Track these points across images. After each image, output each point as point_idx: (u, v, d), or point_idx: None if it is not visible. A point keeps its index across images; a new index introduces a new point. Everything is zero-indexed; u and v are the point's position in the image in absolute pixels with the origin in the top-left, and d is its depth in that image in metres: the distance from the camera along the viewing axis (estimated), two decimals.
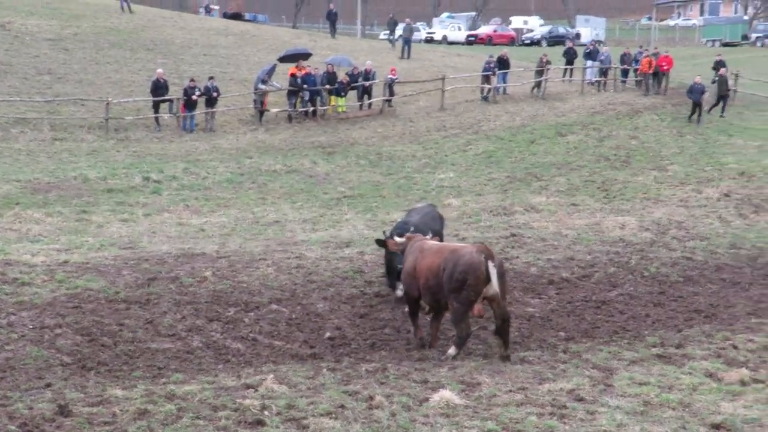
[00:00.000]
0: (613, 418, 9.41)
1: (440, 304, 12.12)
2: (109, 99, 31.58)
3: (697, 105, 33.12)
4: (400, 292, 14.06)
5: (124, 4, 50.09)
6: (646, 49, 41.74)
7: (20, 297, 13.70)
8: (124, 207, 21.39)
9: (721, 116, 34.07)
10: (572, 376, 10.89)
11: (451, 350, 12.02)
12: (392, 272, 14.39)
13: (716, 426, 9.23)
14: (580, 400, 10.03)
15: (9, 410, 9.54)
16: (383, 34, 55.98)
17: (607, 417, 9.44)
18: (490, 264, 11.38)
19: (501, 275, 11.65)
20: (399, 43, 49.70)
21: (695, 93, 33.24)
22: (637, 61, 39.28)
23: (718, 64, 37.99)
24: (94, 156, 27.54)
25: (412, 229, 13.91)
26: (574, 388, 10.40)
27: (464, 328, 11.83)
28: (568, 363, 11.58)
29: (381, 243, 13.96)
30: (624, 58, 40.05)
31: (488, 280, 11.40)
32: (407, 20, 51.21)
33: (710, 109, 34.47)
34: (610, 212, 21.52)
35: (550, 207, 22.05)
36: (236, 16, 73.35)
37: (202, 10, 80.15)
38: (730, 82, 36.18)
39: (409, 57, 47.12)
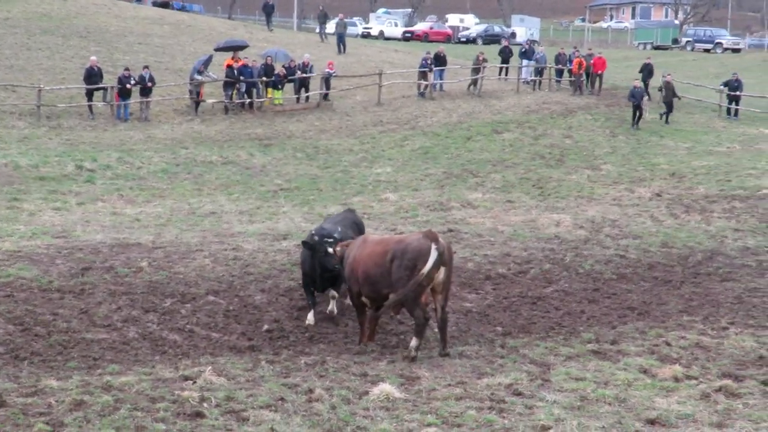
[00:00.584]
0: (551, 412, 9.49)
1: (380, 296, 11.95)
2: (41, 86, 31.04)
3: (637, 108, 33.53)
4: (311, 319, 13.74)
5: None
6: (578, 50, 42.19)
7: None
8: (56, 195, 21.05)
9: (666, 123, 34.42)
10: (510, 371, 10.97)
11: (413, 341, 11.71)
12: (308, 280, 13.83)
13: (651, 421, 9.36)
14: (519, 394, 10.11)
15: None
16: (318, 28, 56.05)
17: (545, 411, 9.53)
18: (434, 247, 11.36)
19: (450, 259, 11.70)
20: (334, 39, 49.54)
21: (636, 97, 33.66)
22: (571, 62, 39.70)
23: (645, 67, 38.61)
24: (25, 143, 27.03)
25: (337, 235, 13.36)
26: (512, 382, 10.48)
27: (420, 315, 11.63)
28: (506, 358, 11.66)
29: (308, 245, 13.47)
30: (559, 58, 40.38)
31: (438, 265, 11.39)
32: (340, 15, 51.05)
33: (666, 117, 34.72)
34: (545, 209, 21.72)
35: (486, 203, 22.20)
36: (165, 5, 72.21)
37: None
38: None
39: (344, 52, 46.99)
